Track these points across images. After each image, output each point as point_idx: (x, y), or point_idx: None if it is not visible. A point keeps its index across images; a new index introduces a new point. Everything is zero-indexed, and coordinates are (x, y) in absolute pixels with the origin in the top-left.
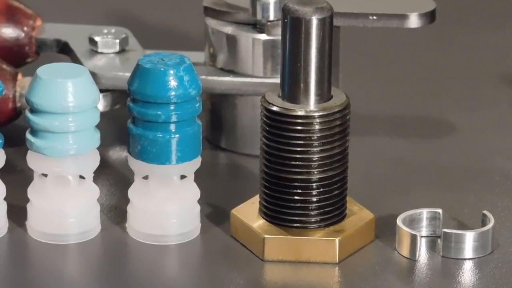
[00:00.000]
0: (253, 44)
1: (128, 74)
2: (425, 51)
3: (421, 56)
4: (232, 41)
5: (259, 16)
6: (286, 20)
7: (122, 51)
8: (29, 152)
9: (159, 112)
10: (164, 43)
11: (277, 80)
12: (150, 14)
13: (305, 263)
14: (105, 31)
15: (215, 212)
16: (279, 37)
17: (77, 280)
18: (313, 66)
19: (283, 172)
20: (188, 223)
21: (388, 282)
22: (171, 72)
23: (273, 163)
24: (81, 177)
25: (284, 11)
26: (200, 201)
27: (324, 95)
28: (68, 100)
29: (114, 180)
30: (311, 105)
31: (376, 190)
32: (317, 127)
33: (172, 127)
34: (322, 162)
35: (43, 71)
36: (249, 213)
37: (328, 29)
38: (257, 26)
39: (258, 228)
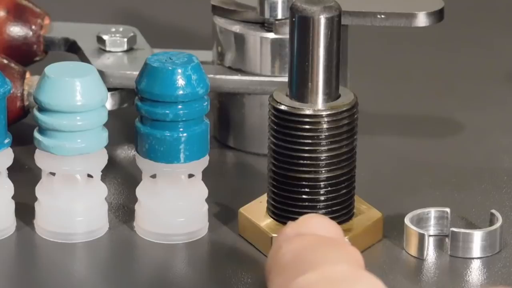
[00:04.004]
0: (261, 43)
1: (136, 73)
2: (433, 50)
3: (429, 55)
4: (240, 40)
5: (267, 15)
6: (294, 19)
7: (130, 49)
8: (37, 150)
9: (167, 111)
10: (172, 41)
11: (285, 79)
12: (158, 12)
13: None
14: (113, 29)
15: (223, 211)
16: (287, 36)
17: (85, 279)
18: (321, 65)
19: (291, 171)
20: (196, 222)
21: (396, 281)
22: (179, 71)
23: (281, 162)
24: (89, 176)
25: (292, 10)
26: (208, 200)
27: (332, 94)
28: (76, 99)
29: (122, 179)
30: (319, 104)
31: (384, 189)
32: (325, 126)
33: (180, 126)
34: (330, 161)
35: (51, 69)
36: (257, 212)
37: (336, 28)
38: (265, 25)
39: (266, 227)
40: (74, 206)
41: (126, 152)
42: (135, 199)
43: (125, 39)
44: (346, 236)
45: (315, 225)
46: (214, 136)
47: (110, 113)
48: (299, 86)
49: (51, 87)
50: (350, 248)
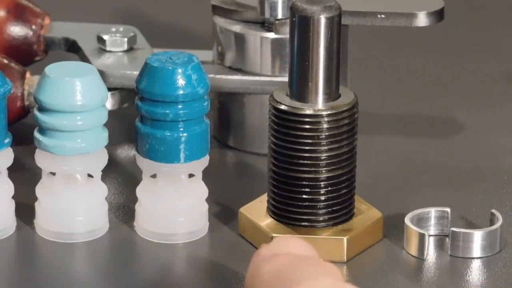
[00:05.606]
0: (261, 43)
1: (136, 73)
2: (433, 50)
3: (429, 55)
4: (240, 39)
5: (267, 15)
6: (294, 19)
7: (130, 49)
8: (37, 150)
9: (167, 111)
10: (172, 41)
11: (285, 79)
12: (158, 12)
13: None
14: (114, 29)
15: (223, 210)
16: (287, 36)
17: (85, 279)
18: (321, 65)
19: (291, 171)
20: (196, 221)
21: (396, 281)
22: (179, 70)
23: (281, 161)
24: (89, 175)
25: (292, 10)
26: (208, 200)
27: (332, 94)
28: (76, 98)
29: (122, 179)
30: (319, 104)
31: (384, 189)
32: (325, 126)
33: (180, 125)
34: (330, 161)
35: (52, 69)
36: (257, 211)
37: (336, 28)
38: (265, 25)
39: (266, 227)
40: (74, 206)
41: (126, 152)
42: (135, 199)
43: (125, 39)
44: (346, 236)
45: (290, 245)
46: (214, 136)
47: (110, 113)
48: (300, 86)
49: (51, 87)
50: (327, 264)
